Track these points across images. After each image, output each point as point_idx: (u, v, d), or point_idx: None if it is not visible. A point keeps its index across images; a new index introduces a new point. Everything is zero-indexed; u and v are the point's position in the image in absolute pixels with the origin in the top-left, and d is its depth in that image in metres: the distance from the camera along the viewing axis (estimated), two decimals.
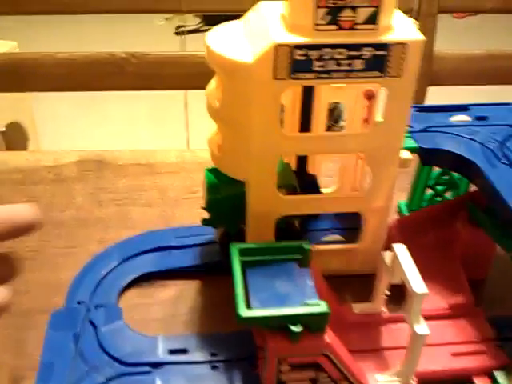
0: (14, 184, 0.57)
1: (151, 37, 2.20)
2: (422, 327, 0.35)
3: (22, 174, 0.58)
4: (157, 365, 0.39)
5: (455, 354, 0.41)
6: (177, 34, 2.35)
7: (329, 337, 0.35)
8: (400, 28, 0.38)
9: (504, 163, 0.42)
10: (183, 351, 0.40)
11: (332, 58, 0.37)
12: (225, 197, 0.43)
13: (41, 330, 0.41)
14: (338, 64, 0.37)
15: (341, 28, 0.37)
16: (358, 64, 0.37)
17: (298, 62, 0.36)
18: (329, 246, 0.46)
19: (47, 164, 0.60)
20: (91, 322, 0.42)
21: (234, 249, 0.37)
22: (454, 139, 0.44)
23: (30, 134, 1.55)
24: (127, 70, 0.92)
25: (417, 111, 0.47)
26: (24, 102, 1.50)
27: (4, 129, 1.51)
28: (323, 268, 0.44)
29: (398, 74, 0.38)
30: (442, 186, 0.53)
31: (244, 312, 0.33)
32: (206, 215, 0.46)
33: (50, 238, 0.51)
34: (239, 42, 0.38)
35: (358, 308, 0.43)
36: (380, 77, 0.38)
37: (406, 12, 1.00)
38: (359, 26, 0.37)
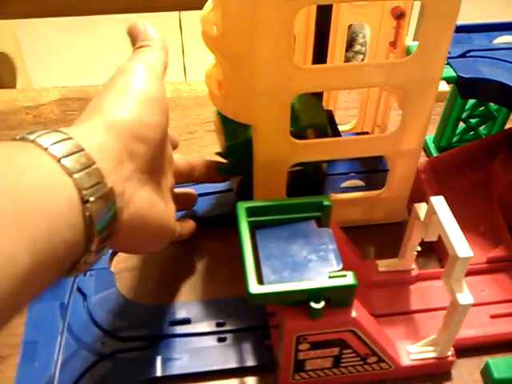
0: None
1: None
2: (465, 295, 0.30)
3: None
4: (156, 338, 0.34)
5: (495, 316, 0.36)
6: None
7: (356, 310, 0.29)
8: None
9: None
10: (186, 322, 0.35)
11: None
12: (243, 142, 0.37)
13: None
14: None
15: None
16: None
17: None
18: (349, 195, 0.40)
19: (25, 104, 0.53)
20: (80, 290, 0.37)
21: (241, 208, 0.31)
22: (498, 66, 0.37)
23: (18, 65, 1.45)
24: None
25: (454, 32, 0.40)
26: (8, 31, 1.40)
27: None
28: (343, 219, 0.38)
29: None
30: (476, 118, 0.46)
31: (255, 288, 0.28)
32: (218, 160, 0.40)
33: None
34: None
35: (384, 265, 0.38)
36: None
37: None
38: None
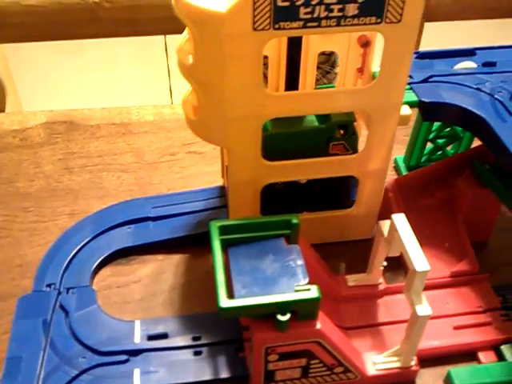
0: None
1: None
2: (423, 307, 0.32)
3: None
4: (135, 352, 0.36)
5: (458, 327, 0.38)
6: None
7: (321, 322, 0.31)
8: None
9: None
10: (163, 336, 0.37)
11: (321, 3, 0.31)
12: (276, 134, 0.39)
13: (6, 318, 0.38)
14: (329, 10, 0.31)
15: None
16: (352, 9, 0.32)
17: (281, 9, 0.31)
18: (320, 213, 0.42)
19: (12, 128, 0.55)
20: (62, 308, 0.38)
21: (214, 227, 0.33)
22: (458, 90, 0.39)
23: (8, 88, 1.47)
24: (100, 16, 0.85)
25: (416, 58, 0.42)
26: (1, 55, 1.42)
27: None
28: (315, 237, 0.40)
29: (398, 19, 0.32)
30: (443, 138, 0.48)
31: (225, 302, 0.29)
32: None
33: (16, 212, 0.46)
34: None
35: (353, 280, 0.40)
36: (377, 23, 0.32)
37: None
38: None
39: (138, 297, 0.40)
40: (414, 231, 0.42)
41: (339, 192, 0.43)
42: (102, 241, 0.43)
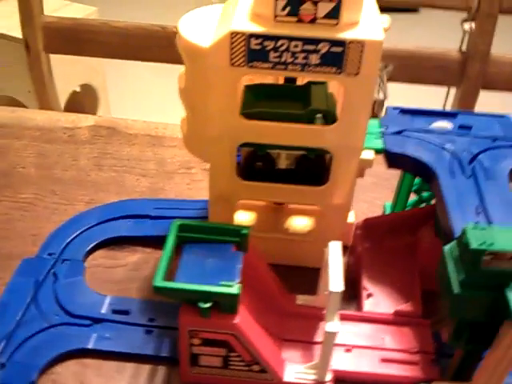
0: (30, 140, 0.62)
1: None
2: (333, 325, 0.36)
3: (40, 131, 0.63)
4: (98, 320, 0.42)
5: (385, 360, 0.41)
6: None
7: (240, 318, 0.36)
8: (364, 26, 0.37)
9: (467, 176, 0.40)
10: (125, 312, 0.43)
11: (287, 50, 0.37)
12: (258, 112, 0.41)
13: (9, 273, 0.45)
14: (294, 57, 0.37)
15: (301, 20, 0.37)
16: (314, 58, 0.37)
17: (254, 51, 0.37)
18: (283, 236, 0.47)
19: (65, 125, 0.64)
20: (54, 274, 0.46)
21: (175, 224, 0.39)
22: (423, 145, 0.43)
23: (101, 97, 1.64)
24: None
25: (399, 113, 0.47)
26: (98, 66, 1.58)
27: (79, 89, 1.61)
28: (276, 257, 0.45)
29: (356, 72, 0.37)
30: (428, 192, 0.51)
31: (159, 282, 0.35)
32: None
33: (45, 193, 0.55)
34: (208, 27, 0.39)
35: (303, 300, 0.44)
36: (337, 73, 0.38)
37: (464, 10, 0.96)
38: (319, 21, 0.37)
39: (118, 278, 0.47)
40: (373, 267, 0.46)
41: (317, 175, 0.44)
42: (103, 227, 0.50)
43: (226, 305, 0.35)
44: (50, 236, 0.49)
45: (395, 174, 0.50)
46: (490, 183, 0.40)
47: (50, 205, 0.54)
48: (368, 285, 0.45)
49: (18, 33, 1.03)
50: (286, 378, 0.39)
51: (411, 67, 0.86)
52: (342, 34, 0.36)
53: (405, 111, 0.46)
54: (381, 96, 0.65)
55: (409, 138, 0.44)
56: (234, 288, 0.35)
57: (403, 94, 0.93)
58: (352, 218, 0.50)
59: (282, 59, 0.37)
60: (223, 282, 0.35)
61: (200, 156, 0.44)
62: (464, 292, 0.31)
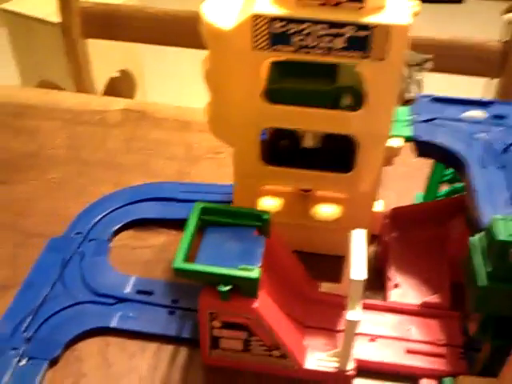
0: (62, 122, 0.63)
1: None
2: (354, 313, 0.35)
3: (72, 114, 0.64)
4: (122, 300, 0.43)
5: (410, 351, 0.40)
6: None
7: (260, 302, 0.36)
8: (391, 10, 0.36)
9: (499, 167, 0.39)
10: (149, 293, 0.44)
11: (311, 34, 0.36)
12: (287, 89, 0.40)
13: (37, 251, 0.46)
14: (318, 40, 0.37)
15: (324, 3, 0.36)
16: (339, 42, 0.36)
17: (277, 35, 0.37)
18: (309, 223, 0.46)
19: (97, 108, 0.65)
20: (81, 253, 0.46)
21: (197, 206, 0.39)
22: (453, 134, 0.42)
23: (139, 83, 1.65)
24: None
25: (430, 101, 0.45)
26: (136, 52, 1.60)
27: (117, 74, 1.62)
28: (303, 244, 0.45)
29: (382, 57, 0.36)
30: (461, 182, 0.50)
31: (179, 263, 0.35)
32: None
33: (74, 174, 0.56)
34: (231, 10, 0.39)
35: (326, 287, 0.44)
36: (362, 58, 0.37)
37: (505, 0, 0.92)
38: (344, 4, 0.36)
39: (143, 259, 0.47)
40: (401, 257, 0.45)
41: (344, 155, 0.43)
42: (130, 208, 0.51)
43: (245, 288, 0.35)
44: (77, 216, 0.50)
45: (428, 164, 0.49)
46: None
47: (78, 186, 0.55)
48: (395, 275, 0.44)
49: (55, 18, 1.05)
50: (306, 365, 0.38)
51: (450, 57, 0.84)
52: (367, 18, 0.35)
53: (436, 99, 0.45)
54: (414, 91, 0.63)
55: (439, 127, 0.43)
56: (254, 272, 0.35)
57: (441, 85, 0.91)
58: (380, 206, 0.49)
59: (306, 43, 0.37)
60: (243, 266, 0.35)
61: (224, 140, 0.44)
62: (490, 285, 0.30)
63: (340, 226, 0.46)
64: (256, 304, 0.36)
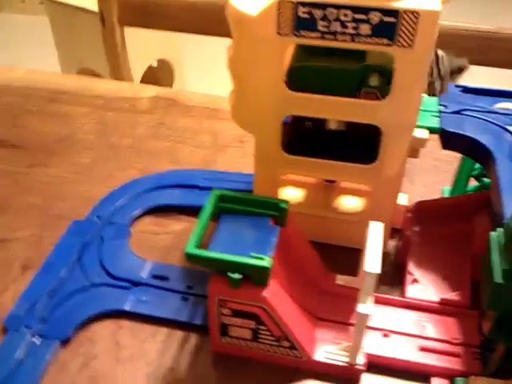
0: (93, 108, 0.64)
1: None
2: (365, 307, 0.34)
3: (104, 100, 0.65)
4: (137, 283, 0.43)
5: (424, 349, 0.39)
6: None
7: (270, 291, 0.35)
8: None
9: None
10: (164, 278, 0.44)
11: (337, 19, 0.35)
12: (312, 67, 0.39)
13: (60, 233, 0.47)
14: (344, 26, 0.36)
15: None
16: (366, 28, 0.35)
17: (302, 20, 0.36)
18: (331, 214, 0.46)
19: (128, 95, 0.66)
20: (101, 236, 0.47)
21: (214, 193, 0.39)
22: (484, 126, 0.40)
23: (177, 72, 1.67)
24: None
25: (461, 91, 0.44)
26: (174, 41, 1.61)
27: (155, 64, 1.64)
28: (323, 235, 0.44)
29: (409, 44, 0.35)
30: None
31: (190, 249, 0.35)
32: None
33: (102, 159, 0.56)
34: None
35: (342, 280, 0.43)
36: (389, 45, 0.36)
37: None
38: None
39: (161, 245, 0.47)
40: (421, 252, 0.44)
41: (369, 147, 0.41)
42: (152, 195, 0.51)
43: (256, 277, 0.35)
44: (101, 200, 0.50)
45: (457, 158, 0.47)
46: None
47: (105, 170, 0.55)
48: (414, 270, 0.43)
49: (96, 7, 1.06)
50: (316, 357, 0.38)
51: (493, 49, 0.81)
52: (395, 3, 0.34)
53: (468, 90, 0.43)
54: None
55: (468, 118, 0.41)
56: (265, 261, 0.34)
57: (483, 78, 0.88)
58: (404, 200, 0.48)
59: (331, 28, 0.36)
60: (255, 254, 0.35)
61: (246, 128, 0.43)
62: (506, 283, 0.29)
63: (362, 219, 0.45)
64: (266, 293, 0.35)
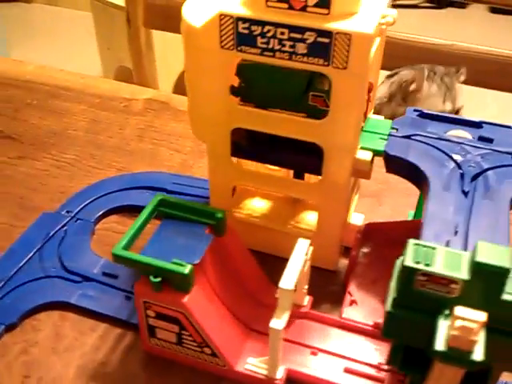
0: (89, 106, 0.66)
1: None
2: (278, 322, 0.35)
3: (100, 99, 0.67)
4: (87, 279, 0.45)
5: (349, 371, 0.39)
6: None
7: (191, 298, 0.36)
8: (358, 18, 0.35)
9: (463, 191, 0.37)
10: (114, 276, 0.45)
11: (275, 37, 0.36)
12: (261, 65, 0.38)
13: (29, 223, 0.50)
14: (281, 44, 0.36)
15: (291, 7, 0.36)
16: (301, 48, 0.36)
17: (243, 35, 0.37)
18: (287, 229, 0.46)
19: (124, 96, 0.68)
20: (65, 231, 0.49)
21: (156, 198, 0.40)
22: (427, 152, 0.40)
23: None
24: None
25: (417, 116, 0.43)
26: None
27: None
28: (273, 248, 0.45)
29: (344, 66, 0.36)
30: None
31: (117, 250, 0.37)
32: None
33: (84, 156, 0.59)
34: (210, 8, 0.39)
35: None
36: (325, 65, 0.36)
37: None
38: (310, 9, 0.35)
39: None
40: (364, 274, 0.44)
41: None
42: (121, 194, 0.53)
43: (176, 282, 0.36)
44: (73, 196, 0.53)
45: None
46: (486, 203, 0.36)
47: (86, 167, 0.58)
48: (354, 291, 0.43)
49: None
50: (237, 367, 0.38)
51: (496, 72, 0.79)
52: (329, 24, 0.35)
53: (424, 115, 0.43)
54: (447, 106, 0.61)
55: (415, 143, 0.41)
56: (185, 268, 0.35)
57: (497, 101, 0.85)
58: (359, 220, 0.48)
59: (270, 46, 0.37)
60: (177, 260, 0.36)
61: (198, 136, 0.45)
62: (394, 311, 0.29)
63: (312, 235, 0.45)
64: (185, 299, 0.36)
